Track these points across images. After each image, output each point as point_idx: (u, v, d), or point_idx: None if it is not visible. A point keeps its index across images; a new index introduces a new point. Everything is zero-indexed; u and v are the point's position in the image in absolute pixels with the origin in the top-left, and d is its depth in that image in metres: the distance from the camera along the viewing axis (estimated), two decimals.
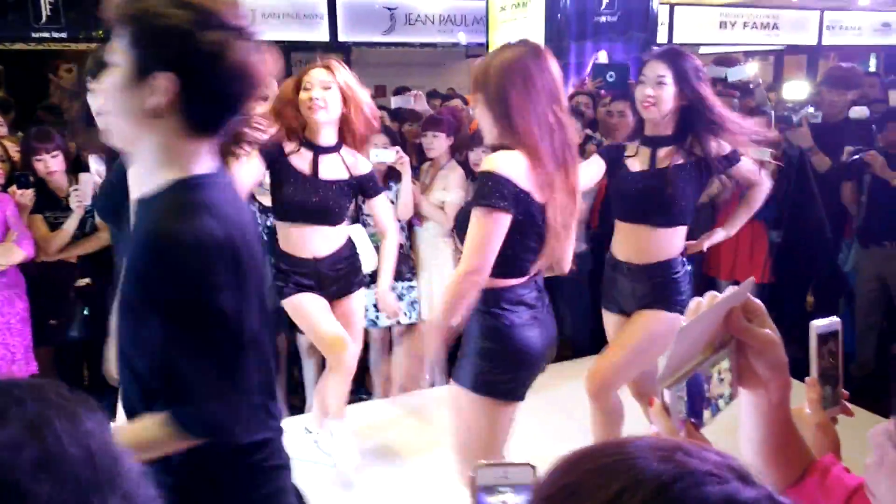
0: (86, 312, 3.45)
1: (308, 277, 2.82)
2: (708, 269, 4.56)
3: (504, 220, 1.86)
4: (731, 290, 0.89)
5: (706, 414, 0.87)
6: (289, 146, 2.74)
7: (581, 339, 4.15)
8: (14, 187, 3.29)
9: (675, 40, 9.12)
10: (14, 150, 3.70)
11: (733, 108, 4.92)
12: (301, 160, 2.75)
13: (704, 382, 0.87)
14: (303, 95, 2.67)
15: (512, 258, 1.94)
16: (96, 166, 3.25)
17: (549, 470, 0.56)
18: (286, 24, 7.74)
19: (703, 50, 10.00)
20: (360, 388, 4.29)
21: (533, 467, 0.82)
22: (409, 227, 3.94)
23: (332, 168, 2.78)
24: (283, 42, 7.87)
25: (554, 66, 1.97)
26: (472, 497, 0.81)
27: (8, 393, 0.45)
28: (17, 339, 3.19)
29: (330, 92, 2.66)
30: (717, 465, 0.51)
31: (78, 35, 6.98)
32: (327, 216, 2.78)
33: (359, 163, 2.85)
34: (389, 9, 8.26)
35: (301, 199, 2.73)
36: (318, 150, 2.75)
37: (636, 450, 0.53)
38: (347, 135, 2.77)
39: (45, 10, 6.75)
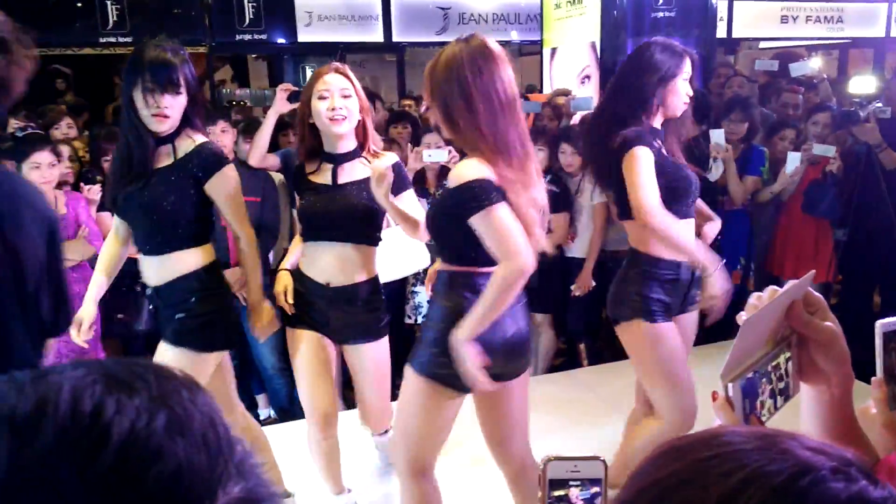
0: (150, 307, 3.57)
1: (316, 310, 2.49)
2: (772, 267, 4.45)
3: (506, 209, 1.86)
4: (791, 283, 0.88)
5: (767, 408, 0.86)
6: (310, 166, 2.48)
7: None
8: (82, 184, 3.43)
9: (735, 35, 8.91)
10: (83, 151, 3.85)
11: (798, 104, 4.81)
12: (323, 175, 2.47)
13: (765, 377, 0.86)
14: (320, 105, 2.37)
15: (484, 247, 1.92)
16: None
17: (644, 465, 0.56)
18: (341, 25, 7.85)
19: (763, 45, 9.75)
20: None
21: (603, 461, 0.82)
22: None
23: (354, 173, 2.47)
24: (338, 43, 7.99)
25: (495, 61, 1.91)
26: (542, 490, 0.81)
27: (130, 369, 0.48)
28: None
29: (350, 100, 2.39)
30: (840, 461, 0.49)
31: (142, 39, 7.20)
32: (352, 225, 2.43)
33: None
34: (443, 8, 8.30)
35: (323, 206, 2.42)
36: (338, 160, 2.45)
37: (748, 439, 0.52)
38: (363, 141, 2.51)
39: (112, 17, 7.00)
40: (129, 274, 3.53)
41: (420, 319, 3.93)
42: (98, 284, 2.44)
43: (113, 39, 7.10)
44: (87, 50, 7.31)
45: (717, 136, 3.61)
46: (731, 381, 0.83)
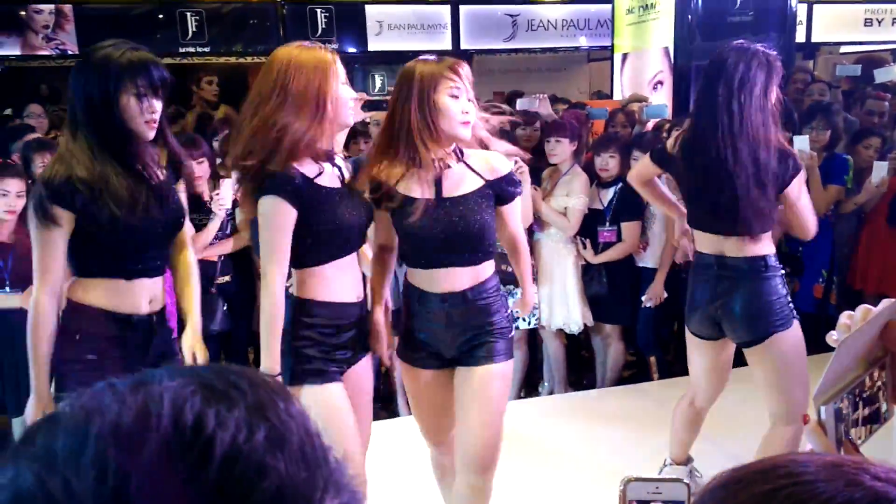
0: (225, 308, 3.67)
1: (344, 342, 2.10)
2: (854, 281, 4.26)
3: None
4: (885, 303, 0.84)
5: (860, 433, 0.83)
6: (312, 169, 2.01)
7: None
8: None
9: (814, 39, 8.62)
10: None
11: (884, 112, 4.60)
12: (329, 179, 2.05)
13: (858, 400, 0.83)
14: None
15: None
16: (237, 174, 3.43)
17: (703, 497, 0.53)
18: (411, 34, 7.94)
19: (844, 49, 9.39)
20: None
21: (687, 484, 0.80)
22: (530, 233, 3.92)
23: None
24: (407, 52, 8.08)
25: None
26: None
27: (225, 377, 0.47)
28: None
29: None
30: None
31: (220, 49, 7.46)
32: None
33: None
34: (511, 16, 8.30)
35: (348, 218, 2.05)
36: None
37: (815, 470, 0.49)
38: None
39: (191, 28, 7.26)
40: (204, 275, 3.65)
41: (533, 323, 3.93)
42: None
43: (192, 49, 7.37)
44: (167, 60, 7.61)
45: (802, 142, 3.48)
46: (824, 403, 0.80)
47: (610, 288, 3.79)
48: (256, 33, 7.61)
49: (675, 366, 4.27)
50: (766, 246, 2.40)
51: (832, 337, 0.83)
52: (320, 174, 2.00)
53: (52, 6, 6.94)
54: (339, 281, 2.08)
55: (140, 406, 0.43)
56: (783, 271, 2.44)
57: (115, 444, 0.41)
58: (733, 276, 2.38)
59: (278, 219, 1.93)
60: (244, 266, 3.81)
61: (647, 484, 0.79)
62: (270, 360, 1.97)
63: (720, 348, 2.52)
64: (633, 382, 4.08)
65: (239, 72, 9.53)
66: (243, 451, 0.42)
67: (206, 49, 7.40)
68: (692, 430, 2.72)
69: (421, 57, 2.17)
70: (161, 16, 7.33)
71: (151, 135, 1.99)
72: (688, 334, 2.59)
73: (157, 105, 1.96)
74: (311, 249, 2.02)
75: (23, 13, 6.90)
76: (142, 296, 2.07)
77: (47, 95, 7.48)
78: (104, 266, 2.01)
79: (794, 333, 2.39)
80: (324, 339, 2.06)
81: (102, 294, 2.00)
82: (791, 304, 2.42)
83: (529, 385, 4.23)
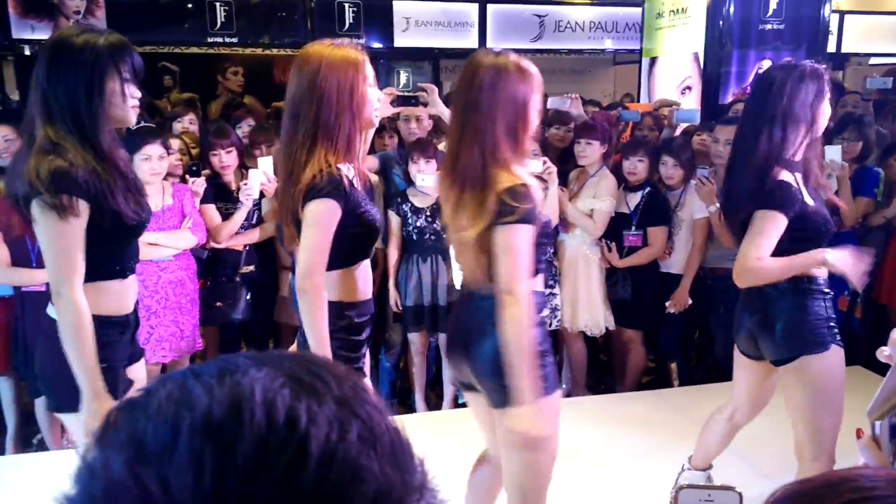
0: (248, 297, 3.69)
1: (365, 340, 2.17)
2: (880, 295, 4.21)
3: None
4: None
5: None
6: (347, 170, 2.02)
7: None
8: (188, 176, 3.57)
9: (844, 50, 8.52)
10: (193, 144, 4.01)
11: None
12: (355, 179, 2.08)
13: None
14: (371, 93, 2.08)
15: None
16: (265, 166, 3.45)
17: (776, 502, 0.53)
18: (438, 31, 7.93)
19: (874, 61, 9.28)
20: None
21: (739, 493, 0.79)
22: (555, 234, 3.91)
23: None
24: (434, 49, 8.07)
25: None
26: None
27: (308, 368, 0.45)
28: (186, 317, 3.45)
29: None
30: None
31: (247, 41, 7.49)
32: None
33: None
34: (539, 16, 8.27)
35: (377, 217, 2.12)
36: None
37: (884, 485, 0.48)
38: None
39: (220, 17, 7.29)
40: (229, 264, 3.67)
41: (555, 324, 3.91)
42: None
43: (220, 39, 7.40)
44: (194, 49, 7.64)
45: (833, 152, 3.44)
46: (878, 418, 0.79)
47: (634, 293, 3.77)
48: (284, 26, 7.63)
49: (697, 373, 4.25)
50: None
51: (884, 353, 0.82)
52: (351, 174, 2.02)
53: None
54: (365, 280, 2.12)
55: (230, 399, 0.41)
56: (829, 294, 2.30)
57: (209, 439, 0.39)
58: (774, 293, 2.29)
59: (331, 220, 1.92)
60: (269, 257, 3.82)
61: (699, 492, 0.78)
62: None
63: (765, 369, 2.42)
64: (653, 388, 4.06)
65: (264, 63, 9.57)
66: (338, 451, 0.40)
67: (234, 40, 7.42)
68: (723, 444, 2.67)
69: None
70: (190, 5, 7.36)
71: (134, 120, 1.98)
72: (735, 351, 2.53)
73: (137, 91, 1.93)
74: (351, 250, 2.03)
75: None
76: (132, 293, 2.03)
77: None
78: (104, 267, 1.91)
79: (829, 358, 2.24)
80: (352, 339, 2.08)
81: (102, 300, 1.90)
82: (835, 329, 2.26)
83: None
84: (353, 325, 2.08)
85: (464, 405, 4.09)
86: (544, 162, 3.50)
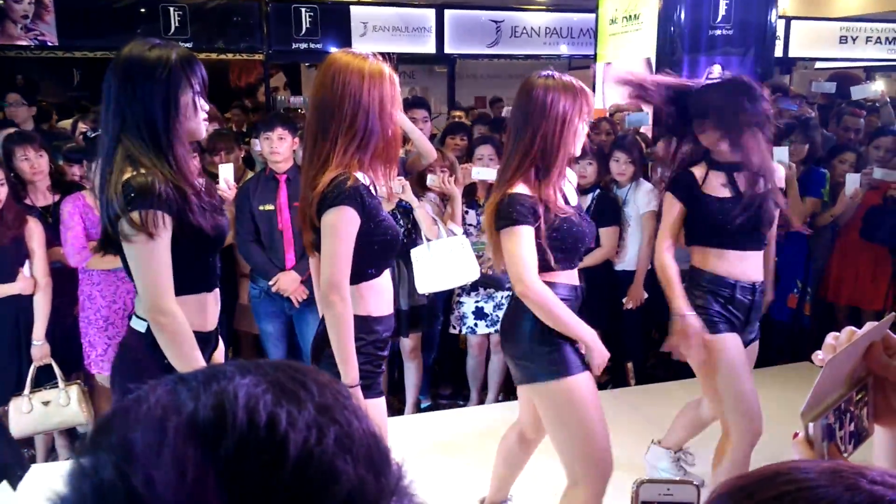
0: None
1: (387, 354, 2.16)
2: (827, 294, 4.35)
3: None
4: (870, 325, 0.87)
5: (843, 449, 0.86)
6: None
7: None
8: None
9: (791, 55, 8.79)
10: None
11: (859, 128, 4.71)
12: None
13: (842, 418, 0.86)
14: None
15: None
16: (225, 172, 3.42)
17: (715, 498, 0.56)
18: (395, 36, 7.95)
19: (819, 65, 9.58)
20: (457, 395, 4.34)
21: (697, 486, 0.82)
22: None
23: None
24: (391, 53, 8.08)
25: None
26: None
27: (292, 375, 0.47)
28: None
29: None
30: None
31: (202, 46, 7.41)
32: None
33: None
34: (496, 21, 8.35)
35: (396, 227, 2.13)
36: None
37: (816, 476, 0.52)
38: None
39: (174, 23, 7.20)
40: None
41: (465, 330, 3.94)
42: None
43: None
44: None
45: (781, 153, 3.54)
46: (812, 420, 0.83)
47: (588, 293, 3.82)
48: (240, 31, 7.57)
49: (656, 371, 4.33)
50: (705, 264, 2.62)
51: (818, 356, 0.86)
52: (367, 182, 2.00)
53: None
54: (389, 291, 2.10)
55: (216, 402, 0.43)
56: (726, 291, 2.55)
57: (192, 440, 0.41)
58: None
59: (349, 228, 1.90)
60: (227, 264, 3.79)
61: (658, 486, 0.81)
62: (351, 371, 1.93)
63: None
64: (608, 388, 4.13)
65: (219, 69, 9.48)
66: (315, 453, 0.42)
67: (189, 45, 7.32)
68: (693, 432, 2.90)
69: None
70: (143, 10, 7.25)
71: (205, 132, 1.98)
72: None
73: (206, 104, 1.93)
74: (373, 260, 2.01)
75: (1, 2, 6.79)
76: (214, 310, 1.99)
77: (23, 87, 7.37)
78: (187, 282, 1.86)
79: (706, 343, 2.48)
80: (378, 354, 2.06)
81: (190, 314, 1.85)
82: (712, 317, 2.51)
83: (509, 389, 4.26)
84: (381, 340, 2.05)
85: (426, 410, 4.11)
86: (497, 170, 3.55)
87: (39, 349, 3.15)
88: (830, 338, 0.88)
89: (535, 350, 2.13)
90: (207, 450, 0.41)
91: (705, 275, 2.53)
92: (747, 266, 2.52)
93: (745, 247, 2.51)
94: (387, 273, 2.09)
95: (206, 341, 1.94)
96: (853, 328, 0.88)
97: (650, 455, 3.01)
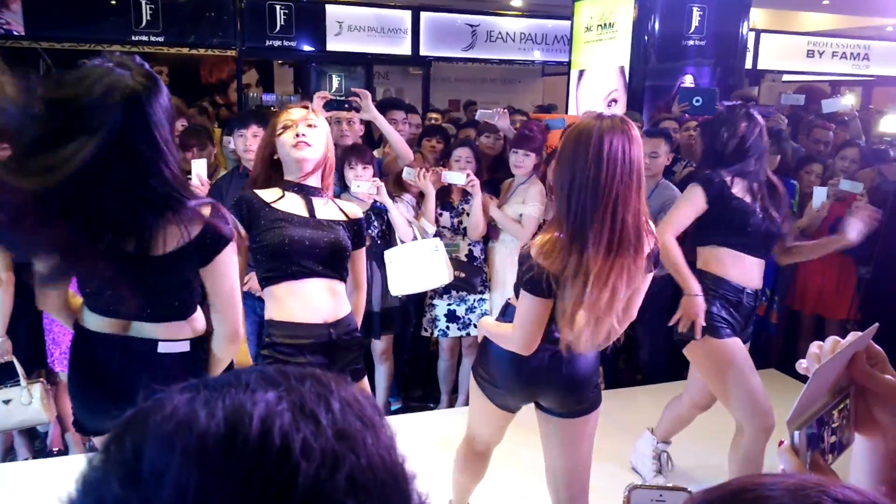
0: None
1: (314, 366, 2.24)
2: (793, 302, 4.43)
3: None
4: (854, 335, 0.89)
5: (828, 458, 0.87)
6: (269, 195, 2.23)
7: (658, 365, 4.09)
8: None
9: (760, 67, 8.95)
10: None
11: (829, 141, 4.81)
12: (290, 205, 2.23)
13: (825, 426, 0.87)
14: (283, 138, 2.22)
15: None
16: (198, 168, 3.37)
17: None
18: (370, 37, 7.92)
19: (786, 78, 9.78)
20: (428, 397, 4.33)
21: (689, 492, 0.82)
22: (486, 241, 3.96)
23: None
24: (366, 55, 8.05)
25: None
26: None
27: (316, 390, 0.45)
28: None
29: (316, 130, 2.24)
30: None
31: (173, 40, 7.30)
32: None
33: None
34: (472, 25, 8.36)
35: (296, 242, 2.21)
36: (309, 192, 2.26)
37: (780, 494, 0.52)
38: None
39: (146, 16, 7.08)
40: None
41: (436, 333, 3.93)
42: None
43: (145, 38, 7.18)
44: (117, 47, 7.39)
45: None
46: (797, 428, 0.84)
47: None
48: (212, 26, 7.47)
49: (624, 376, 4.37)
50: (710, 266, 2.74)
51: (802, 365, 0.87)
52: (280, 199, 2.20)
53: None
54: (296, 301, 2.18)
55: (229, 420, 0.42)
56: (732, 298, 2.68)
57: (197, 466, 0.40)
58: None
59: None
60: None
61: (650, 492, 0.81)
62: None
63: None
64: None
65: (190, 63, 9.34)
66: (324, 490, 0.41)
67: (160, 39, 7.22)
68: (682, 424, 2.99)
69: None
70: (114, 2, 7.12)
71: None
72: None
73: None
74: (260, 268, 2.22)
75: None
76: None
77: None
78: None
79: (710, 347, 2.64)
80: (276, 356, 2.13)
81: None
82: (716, 322, 2.62)
83: None
84: (283, 345, 2.15)
85: (396, 412, 4.09)
86: (468, 175, 3.55)
87: (0, 346, 3.06)
88: (814, 347, 0.89)
89: None
90: (212, 477, 0.40)
91: (714, 278, 2.62)
92: (755, 273, 2.66)
93: (758, 253, 2.65)
94: (309, 283, 2.18)
95: None
96: (837, 338, 0.89)
97: (640, 440, 3.10)
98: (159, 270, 1.67)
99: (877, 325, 0.98)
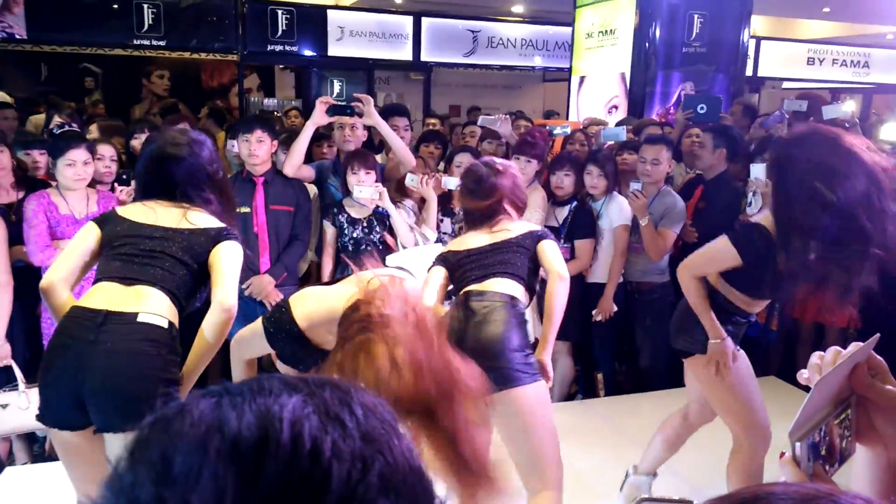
0: None
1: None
2: (793, 310, 4.42)
3: None
4: (855, 345, 0.89)
5: (827, 468, 0.87)
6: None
7: (658, 372, 4.08)
8: (116, 185, 3.45)
9: (760, 74, 8.97)
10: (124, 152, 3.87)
11: None
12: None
13: (827, 437, 0.87)
14: None
15: None
16: None
17: None
18: (371, 42, 7.93)
19: (787, 85, 9.81)
20: None
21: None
22: None
23: None
24: (368, 60, 8.07)
25: None
26: None
27: (338, 396, 0.46)
28: None
29: None
30: None
31: (175, 44, 7.31)
32: None
33: None
34: (473, 31, 8.38)
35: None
36: None
37: (787, 502, 0.52)
38: None
39: (148, 20, 7.09)
40: None
41: None
42: None
43: (146, 42, 7.19)
44: (118, 51, 7.40)
45: (758, 170, 3.58)
46: (799, 439, 0.84)
47: None
48: (214, 30, 7.48)
49: (625, 383, 4.36)
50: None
51: (803, 376, 0.87)
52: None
53: None
54: None
55: (258, 426, 0.42)
56: (745, 323, 2.55)
57: (234, 465, 0.40)
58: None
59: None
60: None
61: (658, 503, 0.81)
62: None
63: None
64: (580, 398, 4.14)
65: (191, 68, 9.36)
66: (358, 489, 0.41)
67: (162, 43, 7.23)
68: (673, 448, 2.81)
69: None
70: (116, 6, 7.13)
71: None
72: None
73: None
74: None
75: None
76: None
77: None
78: None
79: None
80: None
81: None
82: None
83: None
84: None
85: None
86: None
87: None
88: (815, 357, 0.89)
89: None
90: (248, 479, 0.40)
91: (728, 305, 2.45)
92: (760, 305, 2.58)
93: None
94: None
95: None
96: (838, 348, 0.89)
97: (630, 485, 2.89)
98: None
99: (878, 335, 0.98)
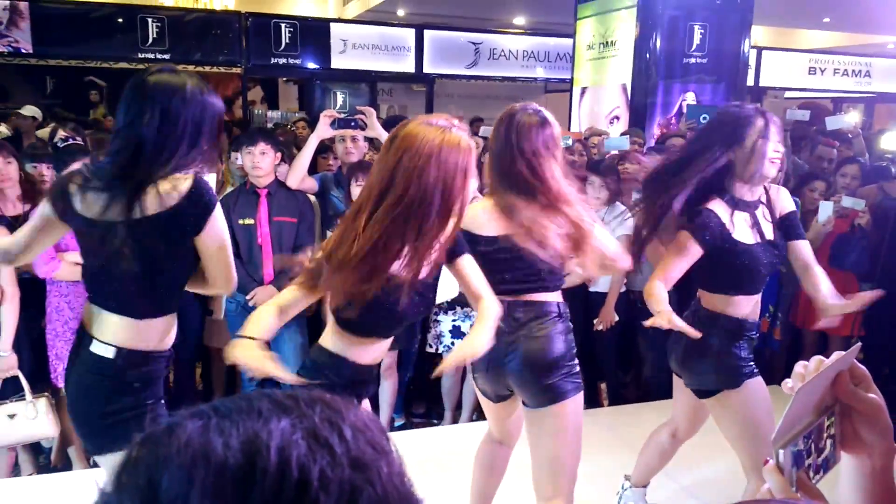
0: None
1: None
2: (795, 318, 4.43)
3: None
4: (837, 354, 0.90)
5: (811, 476, 0.88)
6: None
7: (661, 382, 4.08)
8: None
9: (762, 84, 9.00)
10: None
11: (833, 158, 4.82)
12: None
13: (811, 445, 0.88)
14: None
15: None
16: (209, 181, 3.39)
17: None
18: (374, 55, 7.99)
19: (788, 95, 9.83)
20: (432, 413, 4.32)
21: None
22: None
23: None
24: (371, 72, 8.12)
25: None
26: None
27: (328, 418, 0.45)
28: None
29: None
30: None
31: (179, 57, 7.37)
32: None
33: None
34: (474, 43, 8.43)
35: None
36: None
37: None
38: None
39: (152, 34, 7.15)
40: None
41: (442, 349, 3.93)
42: None
43: (151, 56, 7.25)
44: (123, 64, 7.47)
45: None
46: (782, 447, 0.84)
47: None
48: (218, 44, 7.54)
49: (627, 393, 4.36)
50: (726, 307, 2.38)
51: (787, 385, 0.88)
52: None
53: (6, 2, 6.75)
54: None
55: (246, 451, 0.42)
56: (754, 334, 2.42)
57: (220, 497, 0.40)
58: (703, 330, 2.30)
59: None
60: None
61: None
62: None
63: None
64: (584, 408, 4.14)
65: None
66: None
67: (166, 56, 7.29)
68: (663, 460, 2.77)
69: None
70: (120, 20, 7.20)
71: None
72: (674, 376, 2.62)
73: None
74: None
75: None
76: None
77: None
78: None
79: (748, 390, 2.32)
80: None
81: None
82: (752, 365, 2.35)
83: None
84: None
85: (400, 428, 4.08)
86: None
87: (5, 361, 3.07)
88: (800, 366, 0.90)
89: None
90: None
91: (726, 320, 2.35)
92: (756, 305, 2.43)
93: (760, 289, 2.40)
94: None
95: (169, 359, 2.02)
96: (821, 357, 0.90)
97: (626, 499, 2.91)
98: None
99: (860, 344, 1.00)
